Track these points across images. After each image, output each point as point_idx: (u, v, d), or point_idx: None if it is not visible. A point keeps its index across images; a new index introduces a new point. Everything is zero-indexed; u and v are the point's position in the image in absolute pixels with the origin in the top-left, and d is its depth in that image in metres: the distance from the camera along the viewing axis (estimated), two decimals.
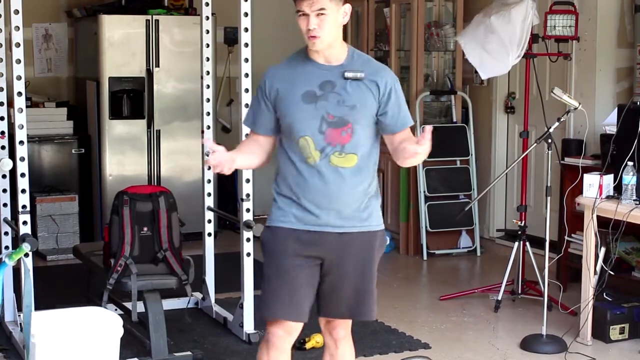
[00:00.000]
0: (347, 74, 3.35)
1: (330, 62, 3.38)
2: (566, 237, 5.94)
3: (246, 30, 4.87)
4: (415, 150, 3.26)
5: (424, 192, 7.05)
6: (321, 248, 3.40)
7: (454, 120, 7.30)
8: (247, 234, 4.96)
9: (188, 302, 5.26)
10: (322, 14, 3.27)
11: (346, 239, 3.41)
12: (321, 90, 3.34)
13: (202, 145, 5.52)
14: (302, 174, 3.36)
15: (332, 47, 3.37)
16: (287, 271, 3.39)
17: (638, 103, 5.17)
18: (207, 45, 5.49)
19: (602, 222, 5.00)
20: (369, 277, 3.48)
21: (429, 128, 3.26)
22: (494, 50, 5.86)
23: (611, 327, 5.08)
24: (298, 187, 3.38)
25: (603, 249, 5.11)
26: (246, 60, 4.88)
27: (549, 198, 5.16)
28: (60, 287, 6.01)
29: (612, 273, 5.08)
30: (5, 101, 5.10)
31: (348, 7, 3.35)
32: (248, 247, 4.98)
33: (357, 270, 3.45)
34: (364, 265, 3.47)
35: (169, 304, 5.23)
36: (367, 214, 3.44)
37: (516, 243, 5.84)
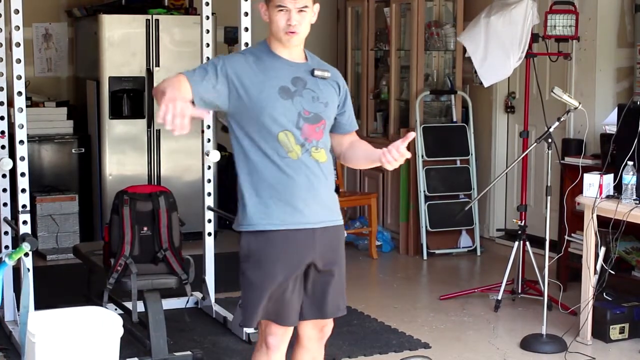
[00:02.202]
0: (317, 72, 3.35)
1: (294, 60, 3.35)
2: (566, 237, 5.94)
3: (246, 29, 4.88)
4: (399, 154, 3.22)
5: (424, 191, 7.05)
6: (311, 248, 3.33)
7: (454, 119, 7.30)
8: None
9: (187, 302, 5.26)
10: (303, 11, 3.28)
11: (329, 234, 3.38)
12: (294, 86, 3.30)
13: (202, 145, 5.52)
14: (284, 170, 3.28)
15: (301, 45, 3.37)
16: (278, 279, 3.29)
17: (638, 103, 5.17)
18: (207, 45, 5.49)
19: (602, 221, 5.00)
20: (344, 271, 3.49)
21: (411, 134, 3.25)
22: (495, 55, 5.86)
23: (611, 326, 5.08)
24: (281, 185, 3.28)
25: (603, 249, 5.11)
26: None
27: (549, 198, 5.16)
28: (60, 287, 6.01)
29: (612, 273, 5.08)
30: (5, 101, 5.10)
31: (317, 7, 3.36)
32: None
33: (339, 267, 3.44)
34: (342, 261, 3.46)
35: (169, 303, 5.23)
36: (337, 208, 3.45)
37: (516, 243, 5.84)
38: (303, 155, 3.29)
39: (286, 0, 3.25)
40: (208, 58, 5.47)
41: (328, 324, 3.52)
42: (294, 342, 3.54)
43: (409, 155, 3.24)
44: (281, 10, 3.26)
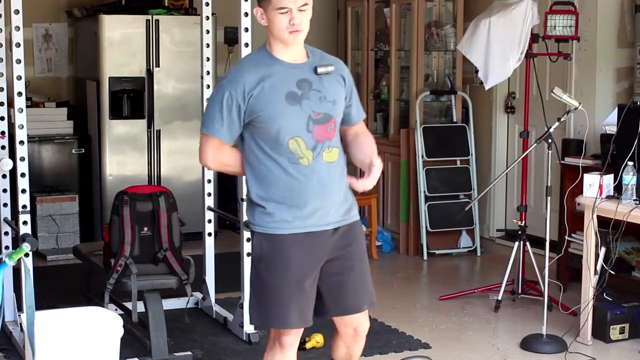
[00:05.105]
0: (320, 70, 3.34)
1: (296, 60, 3.34)
2: (566, 237, 5.94)
3: (246, 30, 4.87)
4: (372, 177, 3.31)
5: (424, 192, 7.05)
6: (323, 250, 3.37)
7: (454, 120, 7.30)
8: (247, 234, 4.96)
9: (187, 302, 5.26)
10: (303, 10, 3.27)
11: (342, 233, 3.40)
12: (300, 89, 3.29)
13: None
14: (296, 177, 3.29)
15: (302, 44, 3.36)
16: (293, 281, 3.32)
17: (638, 103, 5.17)
18: (207, 45, 5.49)
19: (602, 222, 5.00)
20: (367, 265, 3.54)
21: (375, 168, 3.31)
22: (495, 57, 5.85)
23: (611, 327, 5.08)
24: (292, 191, 3.29)
25: (603, 249, 5.11)
26: None
27: (549, 198, 5.16)
28: (60, 287, 6.01)
29: (612, 273, 5.09)
30: (5, 101, 5.10)
31: (311, 1, 3.34)
32: (248, 247, 4.98)
33: (360, 261, 3.49)
34: (362, 255, 3.51)
35: (169, 303, 5.23)
36: (350, 205, 3.46)
37: (516, 243, 5.84)
38: (314, 160, 3.29)
39: (287, 1, 3.23)
40: (208, 58, 5.47)
41: (361, 325, 3.57)
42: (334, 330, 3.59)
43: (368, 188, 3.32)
44: (283, 12, 3.24)
